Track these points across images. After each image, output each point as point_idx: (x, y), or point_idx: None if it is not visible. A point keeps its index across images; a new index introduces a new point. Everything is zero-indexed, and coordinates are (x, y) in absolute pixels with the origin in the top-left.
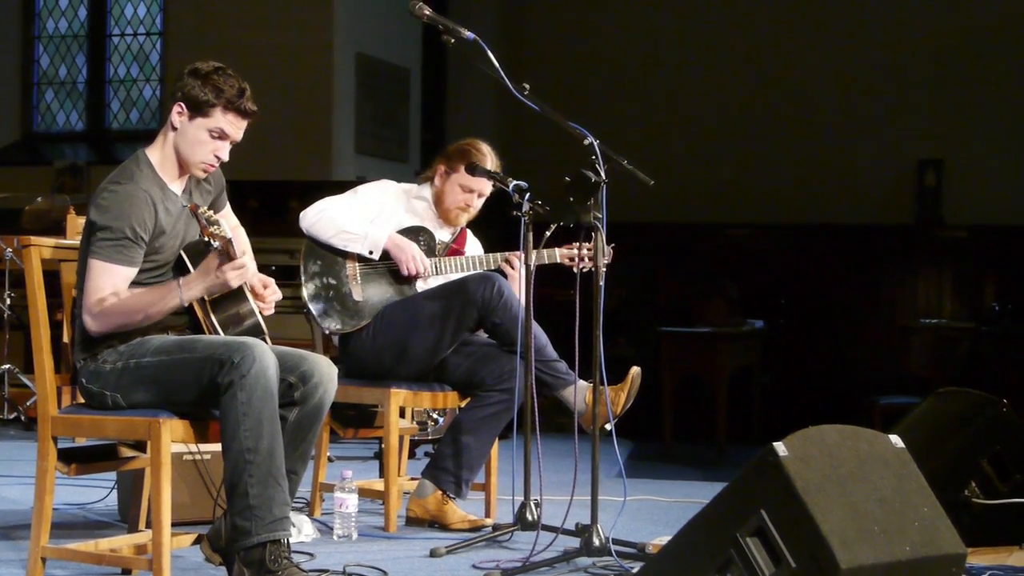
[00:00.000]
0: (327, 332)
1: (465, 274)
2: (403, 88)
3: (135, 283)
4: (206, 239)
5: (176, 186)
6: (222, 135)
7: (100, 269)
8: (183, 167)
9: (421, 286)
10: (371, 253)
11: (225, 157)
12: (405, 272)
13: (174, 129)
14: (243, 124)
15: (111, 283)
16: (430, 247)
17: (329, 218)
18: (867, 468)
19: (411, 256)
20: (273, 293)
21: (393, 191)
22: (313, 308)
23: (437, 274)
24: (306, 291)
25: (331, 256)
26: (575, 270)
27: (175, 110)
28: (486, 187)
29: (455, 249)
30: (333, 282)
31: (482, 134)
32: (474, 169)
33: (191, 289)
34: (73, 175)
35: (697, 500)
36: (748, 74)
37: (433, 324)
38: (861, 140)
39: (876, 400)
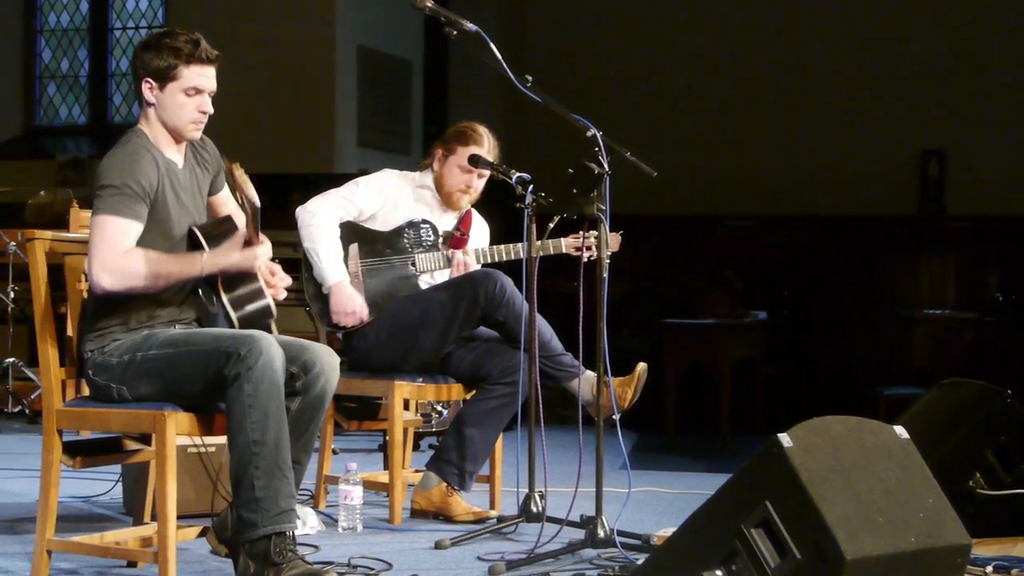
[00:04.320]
0: (329, 330)
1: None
2: (405, 80)
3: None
4: (240, 200)
5: (174, 155)
6: (198, 89)
7: (108, 224)
8: (176, 135)
9: (424, 283)
10: (321, 286)
11: (209, 109)
12: (328, 322)
13: (151, 105)
14: (212, 71)
15: (122, 236)
16: (433, 240)
17: (314, 229)
18: (872, 459)
19: (344, 312)
20: (282, 280)
21: (397, 182)
22: (315, 307)
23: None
24: (308, 290)
25: None
26: (583, 259)
27: (145, 88)
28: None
29: (460, 237)
30: None
31: (485, 125)
32: (476, 161)
33: (216, 265)
34: (76, 169)
35: (701, 491)
36: (751, 65)
37: (436, 321)
38: (864, 131)
39: (880, 391)
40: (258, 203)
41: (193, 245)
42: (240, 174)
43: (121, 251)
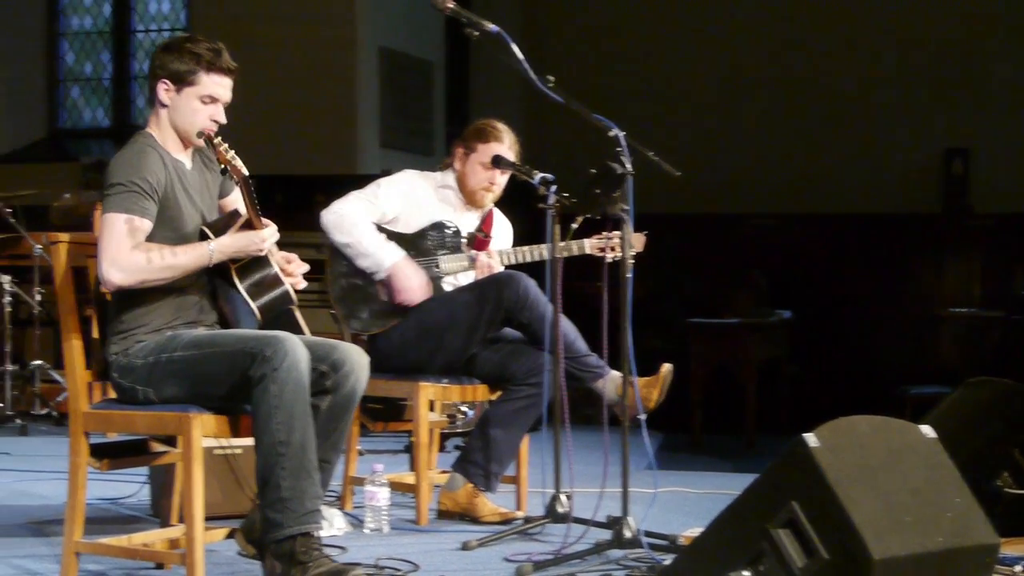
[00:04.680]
0: (354, 332)
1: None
2: (427, 81)
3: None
4: (222, 166)
5: (182, 156)
6: (213, 98)
7: (116, 220)
8: (184, 140)
9: (448, 285)
10: (373, 274)
11: (222, 119)
12: (397, 302)
13: (164, 106)
14: (229, 83)
15: (129, 232)
16: (456, 241)
17: (348, 225)
18: (898, 458)
19: (409, 291)
20: (299, 267)
21: (419, 182)
22: (340, 310)
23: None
24: (332, 293)
25: None
26: (607, 259)
27: (161, 88)
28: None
29: (483, 239)
30: (359, 283)
31: (504, 122)
32: (499, 162)
33: (221, 248)
34: (99, 171)
35: (728, 491)
36: (774, 64)
37: (461, 323)
38: (888, 129)
39: (906, 390)
40: (245, 172)
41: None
42: (222, 147)
43: (129, 247)
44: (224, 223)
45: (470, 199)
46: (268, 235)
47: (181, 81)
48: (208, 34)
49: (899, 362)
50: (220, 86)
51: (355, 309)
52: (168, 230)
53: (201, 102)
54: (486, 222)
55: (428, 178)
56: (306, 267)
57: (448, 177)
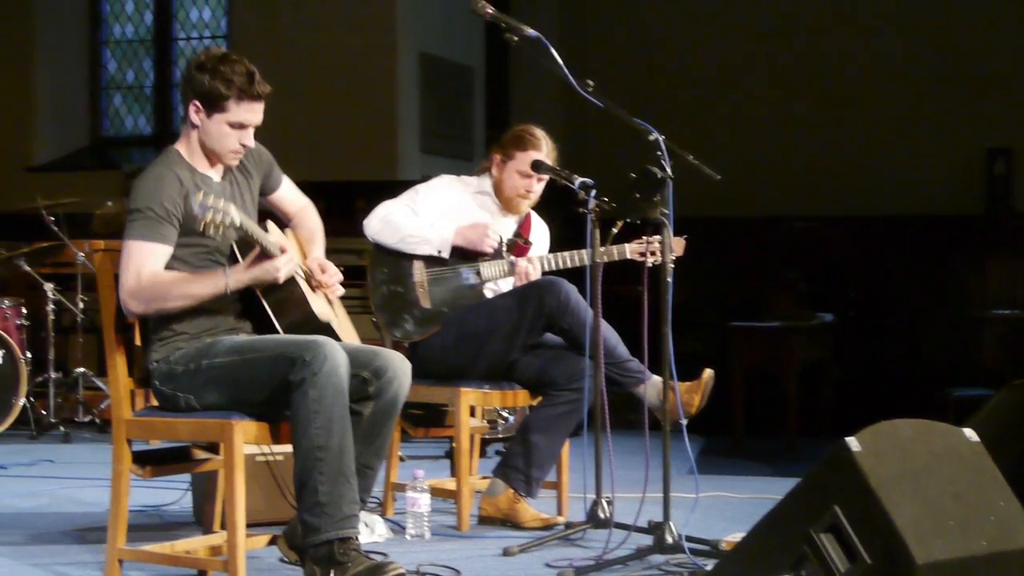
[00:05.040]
0: (396, 339)
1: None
2: (467, 86)
3: (184, 260)
4: (200, 229)
5: (209, 170)
6: (242, 124)
7: (133, 248)
8: (213, 160)
9: (489, 291)
10: (440, 253)
11: (250, 143)
12: (488, 250)
13: (195, 127)
14: (260, 107)
15: (146, 261)
16: (498, 248)
17: (394, 224)
18: (941, 462)
19: (481, 236)
20: (333, 275)
21: (456, 188)
22: (381, 317)
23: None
24: (373, 301)
25: (397, 264)
26: (648, 264)
27: (191, 108)
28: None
29: (523, 245)
30: (400, 290)
31: (547, 131)
32: (539, 167)
33: (239, 281)
34: None
35: (770, 496)
36: (814, 65)
37: (502, 330)
38: (929, 129)
39: (949, 392)
40: (235, 222)
41: (234, 258)
42: (200, 202)
43: (146, 276)
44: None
45: (507, 205)
46: (282, 264)
47: (211, 106)
48: (248, 41)
49: (942, 364)
50: (251, 112)
51: (397, 317)
52: (195, 245)
53: (230, 127)
54: (524, 227)
55: (465, 184)
56: (339, 275)
57: (485, 183)
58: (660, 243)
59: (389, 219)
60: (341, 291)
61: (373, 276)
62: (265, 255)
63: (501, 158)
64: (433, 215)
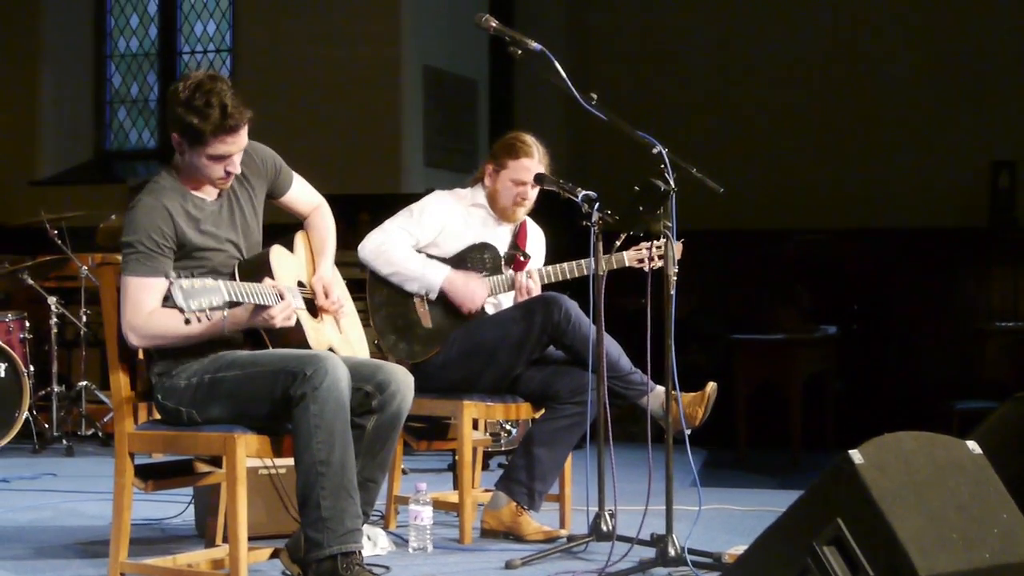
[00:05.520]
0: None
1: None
2: (471, 99)
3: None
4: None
5: (207, 194)
6: (222, 157)
7: (129, 284)
8: (202, 183)
9: (490, 306)
10: (427, 295)
11: (236, 170)
12: (465, 312)
13: (183, 155)
14: (239, 136)
15: (143, 297)
16: (495, 263)
17: (386, 257)
18: (944, 475)
19: (469, 297)
20: (335, 303)
21: (449, 206)
22: (383, 341)
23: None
24: (374, 323)
25: (395, 285)
26: (646, 269)
27: (174, 139)
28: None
29: (521, 260)
30: (401, 311)
31: (550, 143)
32: (541, 180)
33: (236, 325)
34: None
35: (773, 508)
36: (818, 78)
37: (504, 349)
38: (933, 143)
39: (952, 405)
40: (213, 304)
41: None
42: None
43: (144, 312)
44: (257, 264)
45: (502, 215)
46: (277, 313)
47: (190, 141)
48: (253, 55)
49: (945, 377)
50: (229, 144)
51: (398, 338)
52: (195, 266)
53: (211, 160)
54: (520, 236)
55: (459, 197)
56: (343, 300)
57: (479, 194)
58: (659, 247)
59: (383, 250)
60: (348, 310)
61: (372, 299)
62: (261, 308)
63: (493, 168)
64: (430, 235)
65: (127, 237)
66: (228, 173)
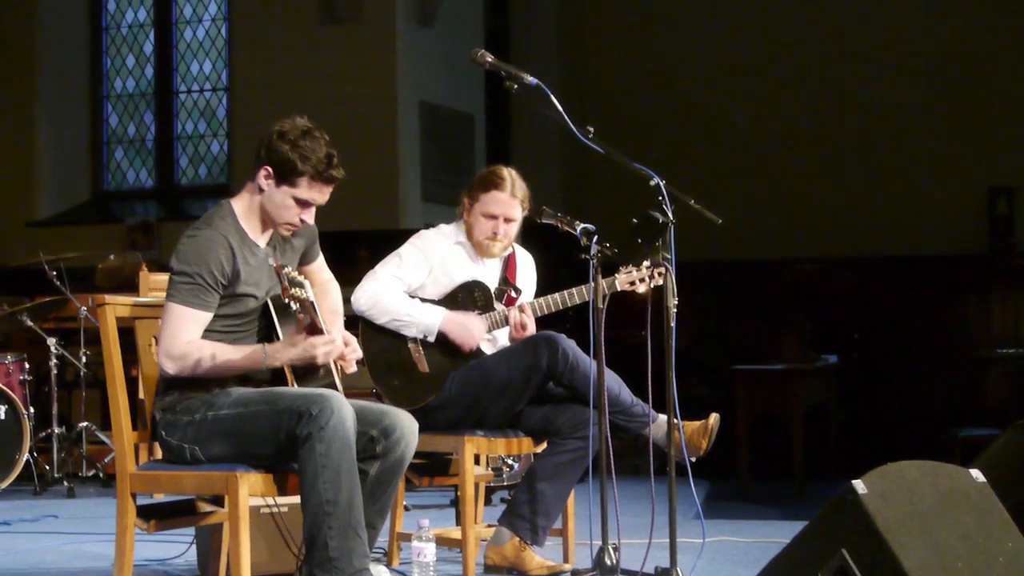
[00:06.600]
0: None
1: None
2: (468, 134)
3: (211, 330)
4: (286, 300)
5: (260, 238)
6: (308, 203)
7: (176, 313)
8: (266, 224)
9: (486, 344)
10: (426, 337)
11: (310, 221)
12: (465, 351)
13: (260, 191)
14: (329, 190)
15: (186, 327)
16: (487, 300)
17: (382, 306)
18: (948, 504)
19: (468, 336)
20: (354, 352)
21: (435, 244)
22: (381, 389)
23: (504, 326)
24: (371, 373)
25: (390, 332)
26: (639, 291)
27: (262, 173)
28: (510, 209)
29: (512, 296)
30: (396, 359)
31: (548, 176)
32: (541, 214)
33: (276, 359)
34: (144, 232)
35: (777, 539)
36: (816, 107)
37: (502, 391)
38: (931, 169)
39: (955, 432)
40: (311, 299)
41: (266, 315)
42: (288, 275)
43: (185, 340)
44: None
45: (478, 249)
46: (319, 344)
47: (283, 176)
48: (249, 93)
49: (947, 405)
50: (320, 193)
51: (397, 386)
52: (228, 309)
53: (295, 202)
54: (509, 270)
55: (444, 235)
56: (359, 354)
57: (461, 231)
58: (649, 268)
59: (377, 300)
60: (354, 368)
61: (367, 348)
62: (314, 329)
63: (468, 202)
64: (420, 278)
65: (186, 267)
66: (300, 221)
